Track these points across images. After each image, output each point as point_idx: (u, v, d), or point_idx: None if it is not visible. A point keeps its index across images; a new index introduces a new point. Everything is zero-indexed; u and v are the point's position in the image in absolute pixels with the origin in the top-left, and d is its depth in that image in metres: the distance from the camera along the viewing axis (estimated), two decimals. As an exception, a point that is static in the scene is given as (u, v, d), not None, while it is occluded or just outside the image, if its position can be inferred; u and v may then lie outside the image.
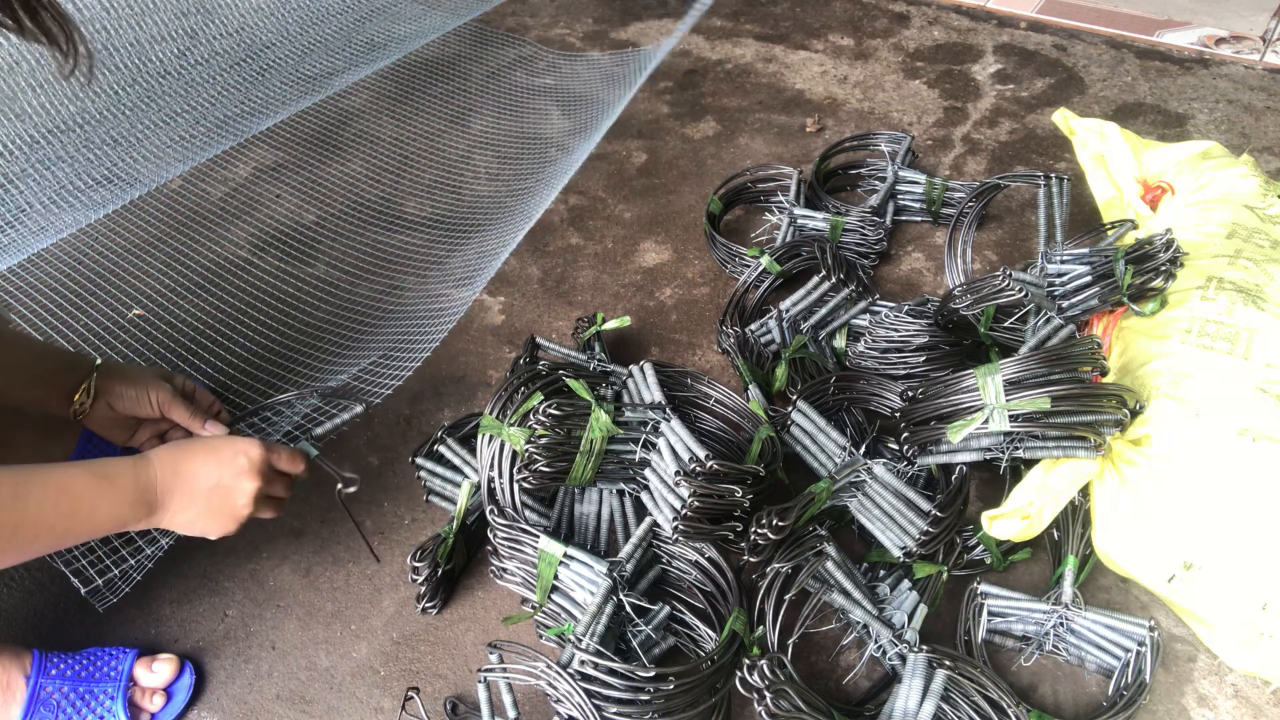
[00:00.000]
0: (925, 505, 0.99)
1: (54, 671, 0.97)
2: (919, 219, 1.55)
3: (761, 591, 0.96)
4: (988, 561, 1.04)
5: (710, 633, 0.98)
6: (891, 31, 2.14)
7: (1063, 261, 1.12)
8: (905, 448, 1.03)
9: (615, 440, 1.01)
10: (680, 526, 0.96)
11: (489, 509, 1.02)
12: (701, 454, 0.96)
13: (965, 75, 1.96)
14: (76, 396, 0.96)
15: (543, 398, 1.00)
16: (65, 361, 0.98)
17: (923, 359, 1.20)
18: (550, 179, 1.66)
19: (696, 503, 0.94)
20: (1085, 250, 1.13)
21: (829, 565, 0.97)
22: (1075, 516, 1.03)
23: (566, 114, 1.92)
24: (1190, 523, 0.92)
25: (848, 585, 0.96)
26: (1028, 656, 0.97)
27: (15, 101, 1.66)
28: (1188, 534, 0.92)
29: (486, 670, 0.90)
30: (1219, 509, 0.91)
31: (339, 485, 1.00)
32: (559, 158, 1.79)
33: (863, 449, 1.09)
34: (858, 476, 1.04)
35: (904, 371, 1.21)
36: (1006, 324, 1.22)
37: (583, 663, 0.86)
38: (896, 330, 1.22)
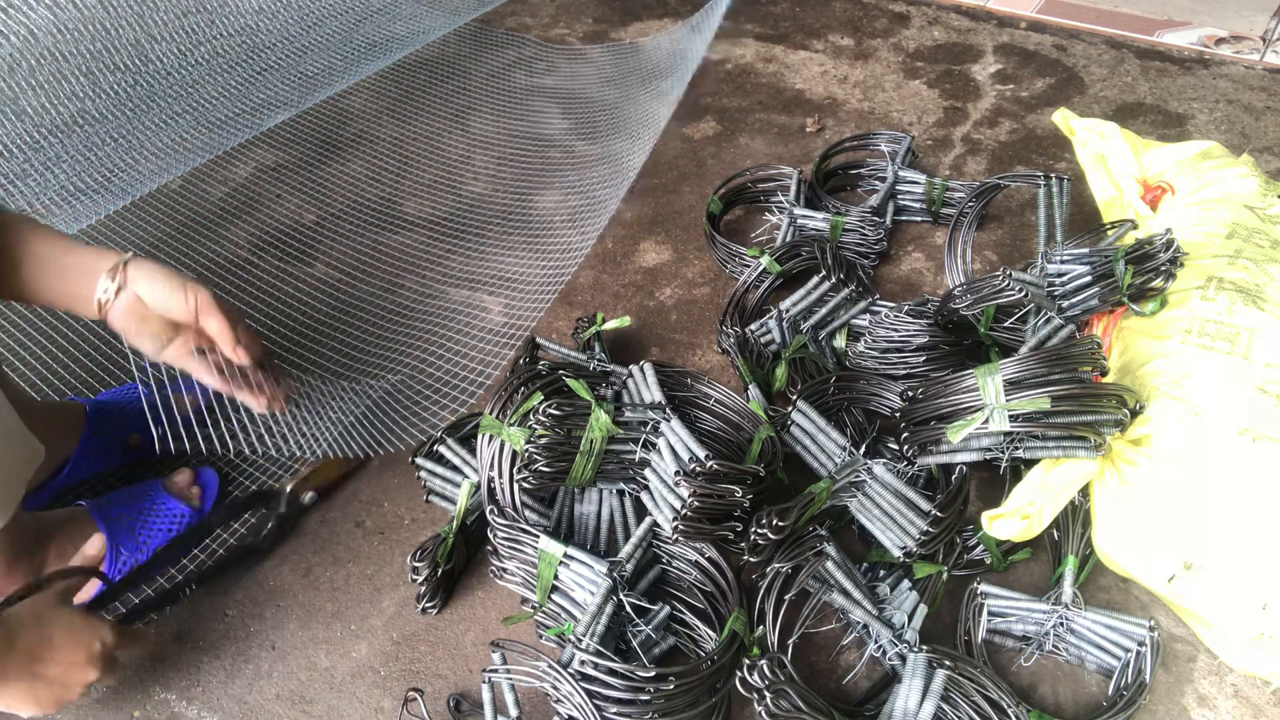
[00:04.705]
0: (925, 505, 0.99)
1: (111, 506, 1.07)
2: (919, 219, 1.55)
3: (761, 591, 0.96)
4: (988, 561, 1.04)
5: (710, 633, 0.98)
6: (891, 31, 2.14)
7: (1063, 261, 1.12)
8: (905, 448, 1.03)
9: (615, 440, 1.01)
10: (680, 526, 0.96)
11: (489, 509, 1.02)
12: (701, 454, 0.96)
13: (965, 75, 1.96)
14: (101, 281, 0.90)
15: (543, 398, 1.00)
16: (94, 251, 0.93)
17: (923, 359, 1.20)
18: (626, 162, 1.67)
19: (696, 503, 0.94)
20: (1085, 250, 1.13)
21: (829, 565, 0.97)
22: (1075, 516, 1.03)
23: (566, 114, 1.92)
24: (1190, 523, 0.92)
25: (848, 585, 0.96)
26: (1028, 656, 0.97)
27: (15, 101, 1.66)
28: (1188, 534, 0.92)
29: (490, 670, 0.90)
30: (1219, 509, 0.91)
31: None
32: (559, 159, 1.79)
33: (863, 449, 1.09)
34: (858, 476, 1.04)
35: (904, 371, 1.21)
36: (1006, 324, 1.22)
37: (583, 663, 0.87)
38: (896, 330, 1.22)
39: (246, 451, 1.05)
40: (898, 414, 1.04)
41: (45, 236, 0.92)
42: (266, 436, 1.06)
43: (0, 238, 0.90)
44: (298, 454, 1.08)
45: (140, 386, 1.04)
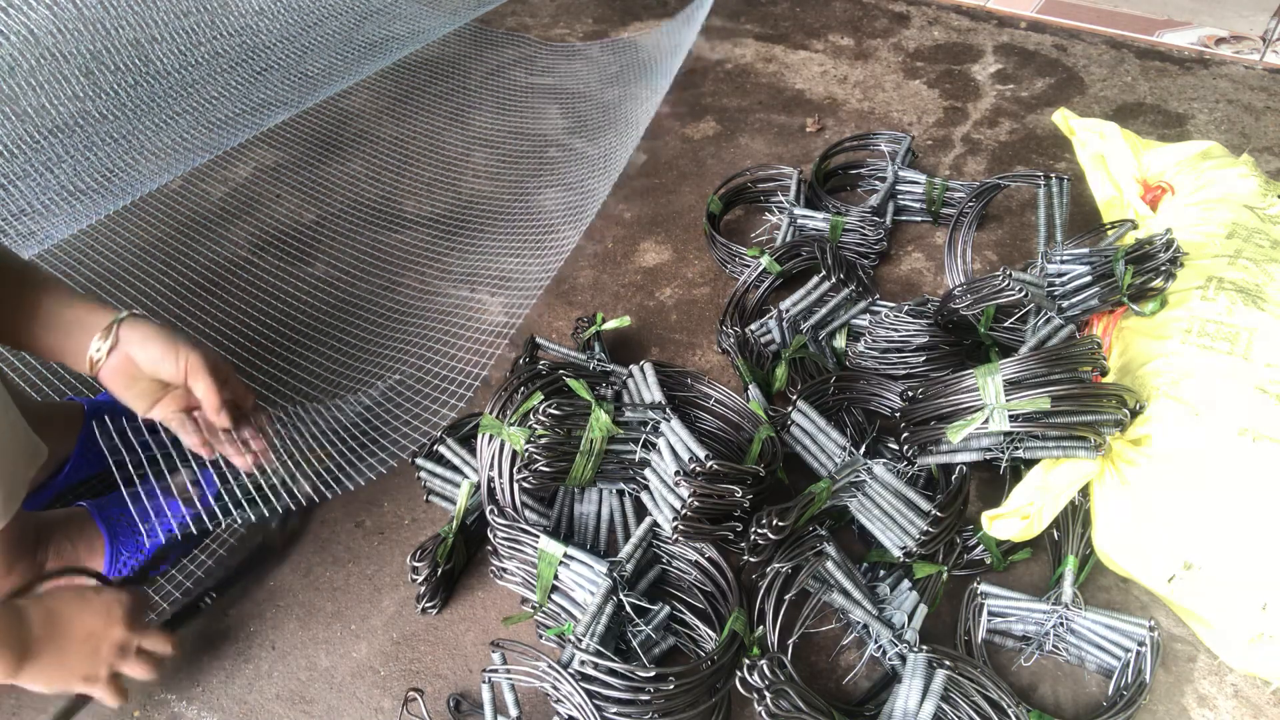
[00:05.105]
0: (925, 505, 0.99)
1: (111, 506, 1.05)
2: (919, 219, 1.55)
3: (761, 591, 0.96)
4: (988, 561, 1.04)
5: (710, 633, 0.98)
6: (891, 31, 2.14)
7: (1063, 261, 1.12)
8: (905, 448, 1.03)
9: (615, 440, 1.01)
10: (680, 526, 0.96)
11: (489, 509, 1.02)
12: (701, 454, 0.96)
13: (965, 75, 1.96)
14: (94, 341, 0.91)
15: (543, 398, 1.00)
16: (90, 308, 0.94)
17: (923, 359, 1.20)
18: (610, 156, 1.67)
19: (696, 503, 0.94)
20: (1085, 250, 1.13)
21: (829, 565, 0.97)
22: (1075, 516, 1.03)
23: (566, 112, 1.92)
24: (1190, 523, 0.92)
25: (848, 585, 0.96)
26: (1028, 656, 0.97)
27: (15, 102, 1.66)
28: (1188, 534, 0.92)
29: (490, 670, 0.90)
30: (1219, 509, 0.91)
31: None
32: (558, 156, 1.79)
33: (863, 449, 1.09)
34: (858, 476, 1.04)
35: (904, 371, 1.21)
36: (1006, 324, 1.22)
37: (583, 663, 0.87)
38: (896, 330, 1.22)
39: (239, 523, 1.07)
40: (898, 414, 1.04)
41: (47, 289, 0.93)
42: (257, 499, 1.07)
43: (5, 288, 0.91)
44: (292, 507, 1.08)
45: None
